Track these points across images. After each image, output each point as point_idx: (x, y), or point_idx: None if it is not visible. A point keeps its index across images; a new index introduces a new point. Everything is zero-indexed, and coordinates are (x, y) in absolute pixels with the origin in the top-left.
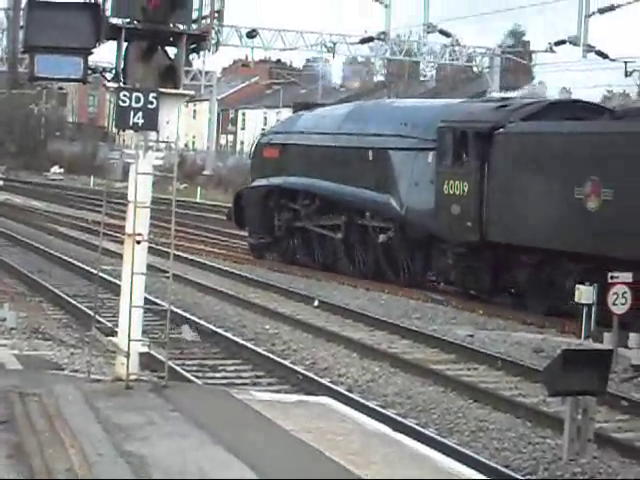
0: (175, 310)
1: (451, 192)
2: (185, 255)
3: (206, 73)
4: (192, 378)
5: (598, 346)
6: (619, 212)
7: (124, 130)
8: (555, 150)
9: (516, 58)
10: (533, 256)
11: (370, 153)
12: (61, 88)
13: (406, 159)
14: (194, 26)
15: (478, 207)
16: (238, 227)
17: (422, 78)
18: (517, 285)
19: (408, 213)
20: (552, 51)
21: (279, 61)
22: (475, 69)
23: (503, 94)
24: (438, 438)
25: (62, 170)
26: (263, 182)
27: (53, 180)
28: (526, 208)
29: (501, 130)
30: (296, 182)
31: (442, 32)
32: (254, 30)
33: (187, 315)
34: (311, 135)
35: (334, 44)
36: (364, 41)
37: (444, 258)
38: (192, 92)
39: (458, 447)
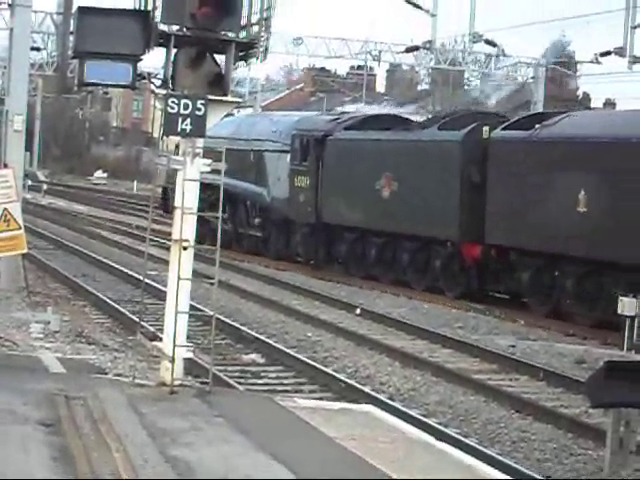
0: (219, 317)
1: (299, 185)
2: (227, 260)
3: (250, 79)
4: (234, 384)
5: None
6: (402, 199)
7: (168, 136)
8: (363, 152)
9: (561, 69)
10: (351, 234)
11: (252, 155)
12: (106, 93)
13: (273, 159)
14: (243, 34)
15: (315, 196)
16: (165, 215)
17: (466, 87)
18: (343, 256)
19: (273, 201)
20: (598, 62)
21: (323, 69)
22: (519, 79)
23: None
24: (480, 448)
25: (106, 175)
26: None
27: (96, 184)
28: (345, 196)
29: (330, 137)
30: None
31: (488, 42)
32: (299, 38)
33: (230, 321)
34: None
35: (379, 52)
36: (409, 50)
37: (295, 236)
38: (240, 99)
39: (499, 457)
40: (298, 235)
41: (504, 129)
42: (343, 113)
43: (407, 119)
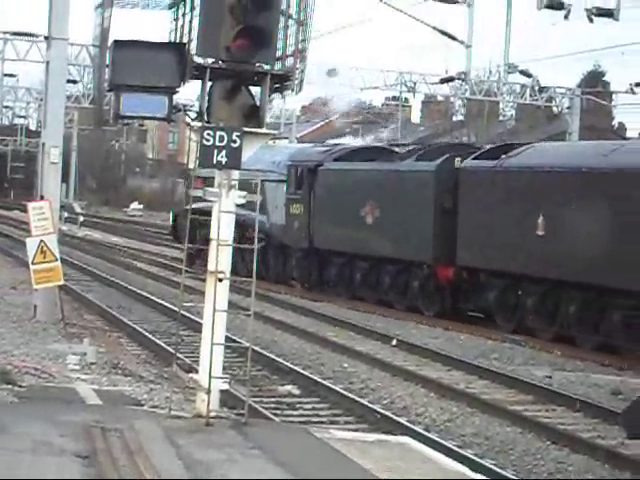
0: (254, 348)
1: (294, 212)
2: (262, 292)
3: (285, 111)
4: (270, 415)
5: None
6: (383, 225)
7: (204, 168)
8: (350, 181)
9: (596, 99)
10: (340, 258)
11: (253, 184)
12: (141, 125)
13: (272, 188)
14: (278, 66)
15: (307, 223)
16: (175, 241)
17: (501, 118)
18: (333, 279)
19: (271, 228)
20: (633, 92)
21: (358, 99)
22: (555, 109)
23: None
24: (515, 479)
25: (141, 206)
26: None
27: (132, 216)
28: (334, 223)
29: (320, 167)
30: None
31: (523, 72)
32: (334, 69)
33: (265, 353)
34: None
35: (414, 83)
36: (444, 81)
37: (291, 260)
38: (275, 131)
39: None
40: (293, 259)
41: (474, 159)
42: (336, 145)
43: (392, 150)
